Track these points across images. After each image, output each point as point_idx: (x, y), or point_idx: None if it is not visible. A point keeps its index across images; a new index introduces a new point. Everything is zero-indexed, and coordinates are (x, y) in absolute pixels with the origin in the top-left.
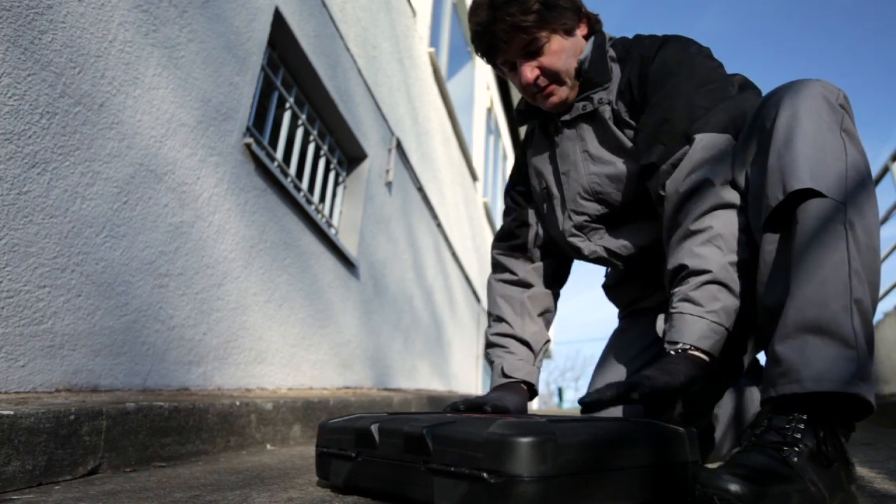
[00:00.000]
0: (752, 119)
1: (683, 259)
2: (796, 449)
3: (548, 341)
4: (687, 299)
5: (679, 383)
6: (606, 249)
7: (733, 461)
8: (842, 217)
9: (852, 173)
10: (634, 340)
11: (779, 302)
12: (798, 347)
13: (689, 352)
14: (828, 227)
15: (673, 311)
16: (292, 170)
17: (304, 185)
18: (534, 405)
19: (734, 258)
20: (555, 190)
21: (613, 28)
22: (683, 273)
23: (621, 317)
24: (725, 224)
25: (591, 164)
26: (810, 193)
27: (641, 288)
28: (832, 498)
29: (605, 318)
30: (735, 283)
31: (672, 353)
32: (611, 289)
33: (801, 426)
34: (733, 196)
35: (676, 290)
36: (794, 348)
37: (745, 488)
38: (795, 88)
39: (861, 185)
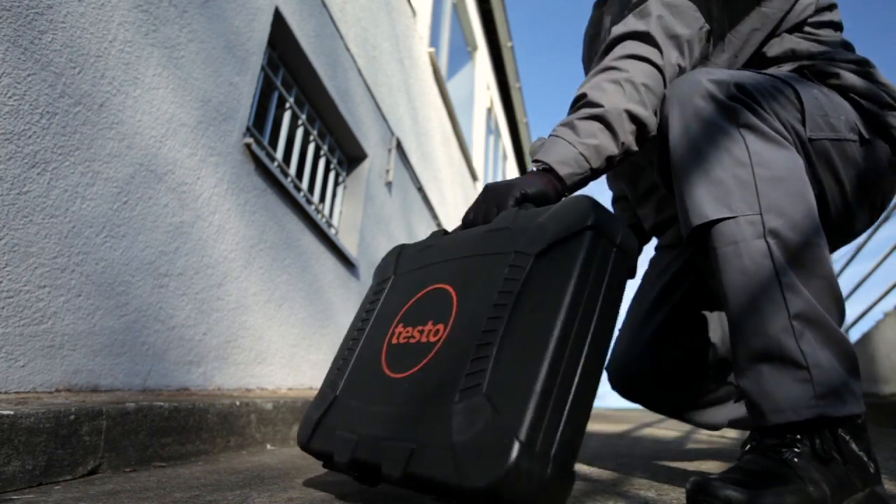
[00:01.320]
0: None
1: (586, 88)
2: (795, 449)
3: None
4: (568, 125)
5: (518, 182)
6: None
7: (732, 466)
8: (759, 230)
9: (761, 172)
10: (648, 291)
11: (730, 332)
12: (755, 379)
13: (546, 171)
14: (746, 247)
15: (552, 133)
16: (292, 170)
17: (304, 185)
18: None
19: (635, 109)
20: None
21: None
22: (581, 102)
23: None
24: (644, 76)
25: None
26: (715, 220)
27: (654, 212)
28: (838, 497)
29: None
30: (622, 131)
31: (533, 170)
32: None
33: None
34: (669, 59)
35: (568, 115)
36: (751, 381)
37: (738, 494)
38: (679, 96)
39: (776, 181)
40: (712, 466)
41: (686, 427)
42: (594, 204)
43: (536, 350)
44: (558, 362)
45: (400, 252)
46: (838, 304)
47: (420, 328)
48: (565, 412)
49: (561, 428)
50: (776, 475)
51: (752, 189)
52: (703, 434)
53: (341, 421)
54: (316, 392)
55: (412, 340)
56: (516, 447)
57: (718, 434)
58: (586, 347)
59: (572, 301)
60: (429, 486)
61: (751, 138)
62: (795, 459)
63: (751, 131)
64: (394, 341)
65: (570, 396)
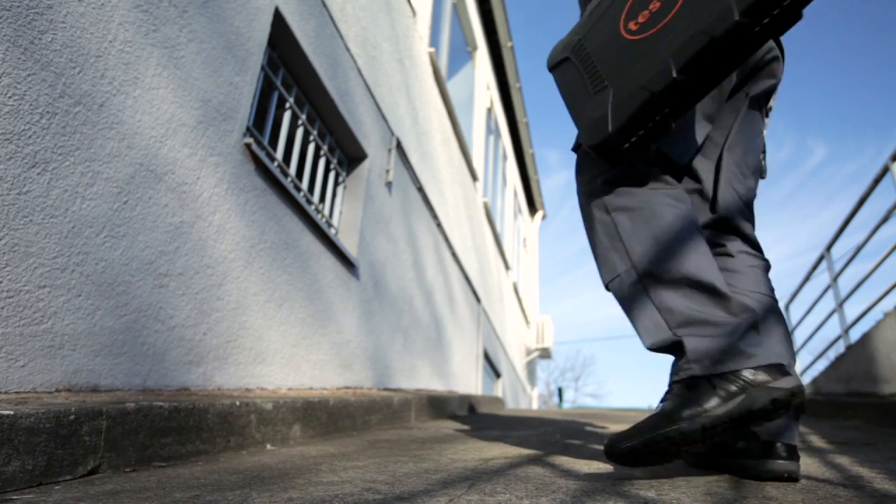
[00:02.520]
0: None
1: None
2: (666, 397)
3: None
4: None
5: None
6: None
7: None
8: (634, 278)
9: (628, 239)
10: None
11: None
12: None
13: None
14: (631, 293)
15: None
16: (292, 170)
17: (304, 185)
18: (534, 404)
19: None
20: None
21: None
22: None
23: None
24: None
25: None
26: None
27: None
28: (686, 419)
29: (605, 317)
30: None
31: None
32: None
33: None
34: None
35: None
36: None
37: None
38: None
39: (641, 240)
40: None
41: None
42: None
43: None
44: None
45: None
46: (701, 288)
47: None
48: None
49: None
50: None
51: (624, 254)
52: None
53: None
54: (315, 392)
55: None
56: None
57: None
58: None
59: None
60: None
61: (618, 214)
62: (670, 393)
63: (621, 212)
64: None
65: None
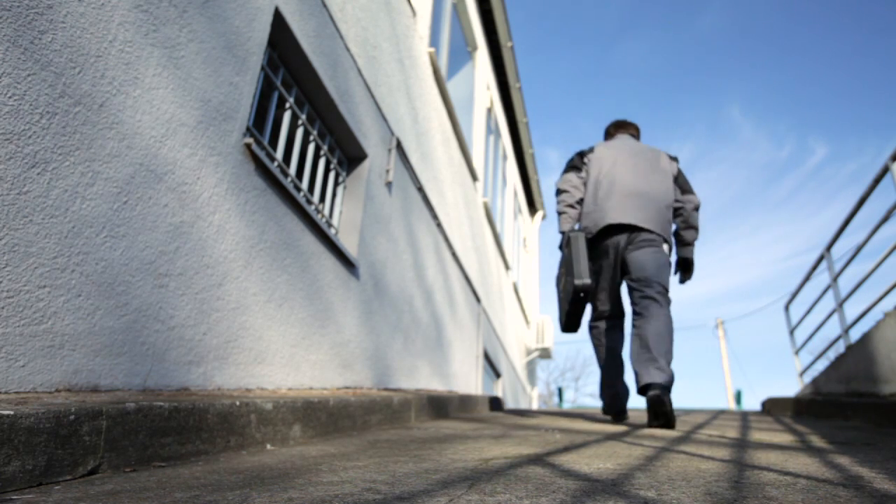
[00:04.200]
0: None
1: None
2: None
3: None
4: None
5: None
6: None
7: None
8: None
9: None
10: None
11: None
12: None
13: None
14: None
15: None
16: (292, 170)
17: (304, 185)
18: (534, 404)
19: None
20: None
21: (612, 27)
22: None
23: None
24: None
25: None
26: None
27: None
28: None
29: None
30: None
31: None
32: None
33: None
34: None
35: None
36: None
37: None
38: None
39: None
40: (712, 466)
41: (685, 427)
42: None
43: None
44: None
45: None
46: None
47: None
48: None
49: None
50: None
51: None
52: (703, 434)
53: None
54: (315, 392)
55: None
56: None
57: (718, 434)
58: None
59: None
60: None
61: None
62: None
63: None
64: None
65: None
